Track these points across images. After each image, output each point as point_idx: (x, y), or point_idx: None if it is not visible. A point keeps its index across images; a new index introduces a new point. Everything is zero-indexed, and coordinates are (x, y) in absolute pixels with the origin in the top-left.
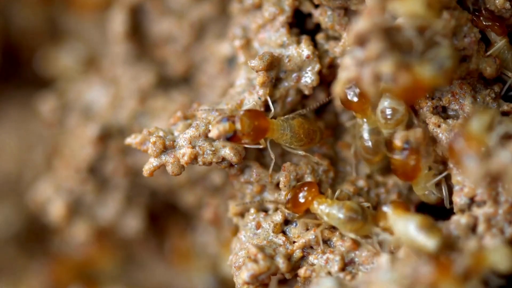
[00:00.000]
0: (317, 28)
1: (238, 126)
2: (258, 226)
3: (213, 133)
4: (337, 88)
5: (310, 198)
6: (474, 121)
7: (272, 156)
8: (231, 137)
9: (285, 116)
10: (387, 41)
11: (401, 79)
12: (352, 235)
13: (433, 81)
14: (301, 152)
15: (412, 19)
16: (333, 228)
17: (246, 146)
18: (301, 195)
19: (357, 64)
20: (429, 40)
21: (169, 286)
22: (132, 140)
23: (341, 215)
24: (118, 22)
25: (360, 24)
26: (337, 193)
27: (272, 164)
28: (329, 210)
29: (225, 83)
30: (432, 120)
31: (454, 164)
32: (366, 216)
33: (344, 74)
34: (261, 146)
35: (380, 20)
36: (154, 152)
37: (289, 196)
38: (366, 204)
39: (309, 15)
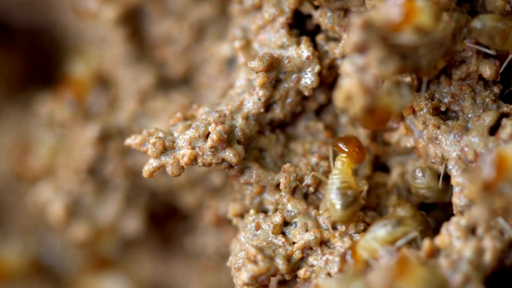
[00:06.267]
0: (317, 29)
1: None
2: (258, 227)
3: (210, 142)
4: (340, 96)
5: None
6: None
7: None
8: None
9: None
10: (387, 47)
11: None
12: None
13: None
14: None
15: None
16: (333, 230)
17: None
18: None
19: (358, 71)
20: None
21: (167, 285)
22: (131, 141)
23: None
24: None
25: (358, 34)
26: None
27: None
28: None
29: (225, 84)
30: (432, 122)
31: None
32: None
33: (345, 81)
34: None
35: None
36: (153, 153)
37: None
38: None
39: (309, 16)
